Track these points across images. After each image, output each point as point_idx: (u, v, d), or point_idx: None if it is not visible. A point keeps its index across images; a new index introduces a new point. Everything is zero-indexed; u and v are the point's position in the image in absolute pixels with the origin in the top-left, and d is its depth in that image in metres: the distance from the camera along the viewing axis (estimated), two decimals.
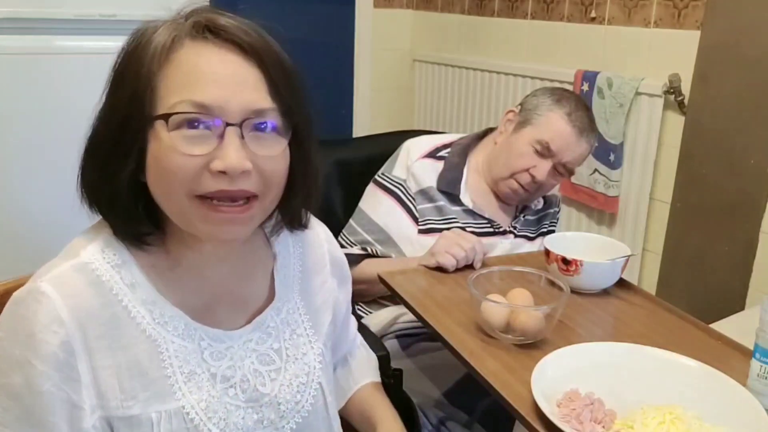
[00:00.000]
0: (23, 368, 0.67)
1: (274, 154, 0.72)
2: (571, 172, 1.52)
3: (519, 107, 1.53)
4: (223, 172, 0.68)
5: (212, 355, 0.77)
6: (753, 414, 0.87)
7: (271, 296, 0.85)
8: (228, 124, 0.68)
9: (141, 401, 0.71)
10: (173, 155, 0.67)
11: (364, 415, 1.02)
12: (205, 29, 0.70)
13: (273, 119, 0.71)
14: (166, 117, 0.67)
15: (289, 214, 0.83)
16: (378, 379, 1.08)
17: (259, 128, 0.70)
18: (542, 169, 1.45)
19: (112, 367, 0.71)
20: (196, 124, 0.67)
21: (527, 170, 1.46)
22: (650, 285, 2.22)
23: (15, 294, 0.70)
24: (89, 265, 0.71)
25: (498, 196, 1.56)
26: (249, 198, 0.71)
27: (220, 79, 0.68)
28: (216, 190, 0.68)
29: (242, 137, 0.69)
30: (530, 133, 1.47)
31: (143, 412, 0.71)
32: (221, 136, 0.68)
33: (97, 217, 0.76)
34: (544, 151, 1.45)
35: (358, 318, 1.50)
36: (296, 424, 0.82)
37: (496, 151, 1.54)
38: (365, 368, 1.08)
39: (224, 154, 0.67)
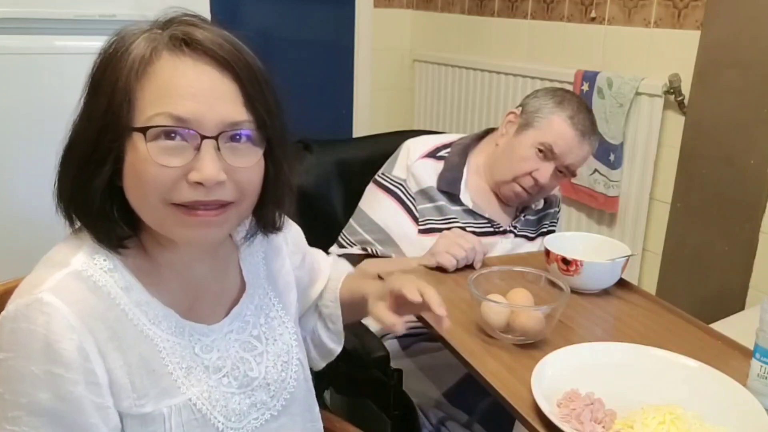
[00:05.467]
0: (49, 381, 0.67)
1: (248, 165, 0.74)
2: (573, 174, 1.52)
3: (520, 109, 1.53)
4: (199, 183, 0.70)
5: (202, 349, 0.80)
6: (753, 414, 0.87)
7: (242, 286, 0.88)
8: (204, 137, 0.70)
9: (152, 398, 0.74)
10: (150, 166, 0.69)
11: (354, 297, 1.03)
12: (182, 42, 0.71)
13: (248, 131, 0.73)
14: (144, 130, 0.69)
15: (263, 219, 0.86)
16: (351, 269, 1.13)
17: (234, 140, 0.73)
18: (545, 172, 1.45)
19: (123, 368, 0.72)
20: (173, 135, 0.69)
21: (530, 173, 1.46)
22: (650, 285, 2.22)
23: (8, 311, 0.69)
24: (83, 272, 0.72)
25: (498, 196, 1.56)
26: (224, 204, 0.73)
27: (197, 92, 0.70)
28: (192, 200, 0.71)
29: (218, 149, 0.71)
30: (533, 136, 1.46)
31: (156, 409, 0.74)
32: (198, 148, 0.70)
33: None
34: (547, 153, 1.45)
35: None
36: (285, 401, 0.87)
37: (498, 153, 1.54)
38: (337, 271, 1.10)
39: (201, 165, 0.70)
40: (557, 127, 1.44)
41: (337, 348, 1.07)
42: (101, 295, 0.72)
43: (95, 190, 0.71)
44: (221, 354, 0.82)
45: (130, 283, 0.75)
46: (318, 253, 1.08)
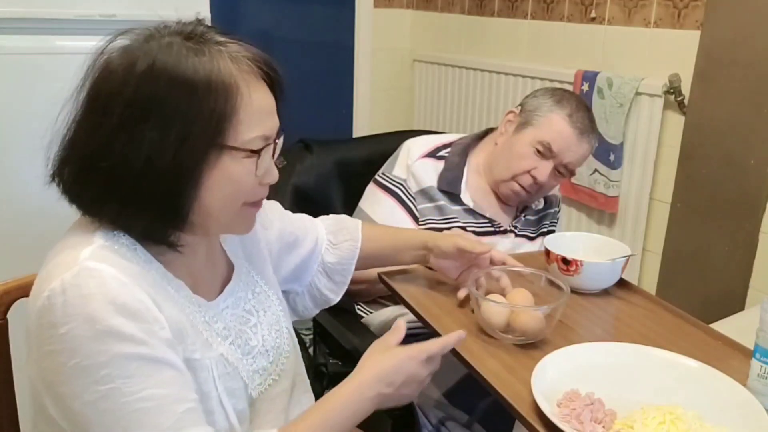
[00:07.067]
0: (121, 332, 0.69)
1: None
2: (572, 173, 1.52)
3: (519, 108, 1.53)
4: (267, 183, 0.83)
5: (210, 320, 0.85)
6: (753, 414, 0.87)
7: (230, 265, 0.94)
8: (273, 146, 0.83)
9: (199, 348, 0.79)
10: (247, 176, 0.79)
11: (391, 246, 1.22)
12: (248, 62, 0.78)
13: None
14: (258, 152, 0.79)
15: None
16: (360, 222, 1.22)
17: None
18: (543, 170, 1.45)
19: (173, 317, 0.76)
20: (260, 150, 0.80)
21: (528, 172, 1.46)
22: (650, 285, 2.22)
23: (54, 288, 0.70)
24: (110, 246, 0.75)
25: (498, 196, 1.55)
26: None
27: (270, 110, 0.82)
28: (261, 197, 0.85)
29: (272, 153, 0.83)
30: (531, 134, 1.46)
31: (202, 357, 0.79)
32: (269, 154, 0.82)
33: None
34: (546, 152, 1.45)
35: (358, 318, 1.51)
36: (283, 366, 0.94)
37: (497, 152, 1.54)
38: (347, 228, 1.19)
39: (271, 169, 0.83)
40: (556, 125, 1.44)
41: (335, 298, 1.18)
42: (132, 263, 0.75)
43: (188, 205, 0.77)
44: (224, 325, 0.87)
45: (149, 258, 0.79)
46: (301, 218, 1.15)
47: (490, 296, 1.08)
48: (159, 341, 0.72)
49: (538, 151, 1.45)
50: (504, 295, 1.12)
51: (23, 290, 0.96)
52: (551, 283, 1.14)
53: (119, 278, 0.71)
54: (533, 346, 1.05)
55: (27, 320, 0.74)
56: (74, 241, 0.76)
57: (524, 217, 1.57)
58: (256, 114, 0.78)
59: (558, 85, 2.22)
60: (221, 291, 0.90)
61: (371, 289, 1.47)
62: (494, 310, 1.06)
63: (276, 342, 0.94)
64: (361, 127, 3.15)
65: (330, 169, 1.65)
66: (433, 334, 1.12)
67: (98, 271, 0.71)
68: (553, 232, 1.62)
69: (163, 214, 0.77)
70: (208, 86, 0.74)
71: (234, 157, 0.77)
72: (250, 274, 0.97)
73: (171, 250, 0.80)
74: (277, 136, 0.83)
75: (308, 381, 1.04)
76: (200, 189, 0.77)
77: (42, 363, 0.72)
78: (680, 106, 2.07)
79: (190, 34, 0.77)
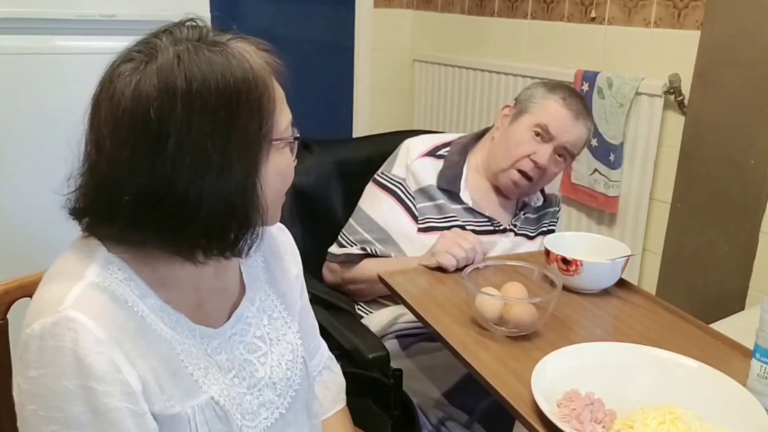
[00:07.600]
0: (83, 395, 0.68)
1: None
2: (572, 157, 1.52)
3: (514, 102, 1.55)
4: None
5: (213, 351, 0.82)
6: (753, 414, 0.87)
7: (243, 290, 0.90)
8: None
9: (178, 399, 0.75)
10: (290, 166, 0.82)
11: None
12: (266, 53, 0.79)
13: None
14: (295, 138, 0.81)
15: None
16: (343, 403, 1.11)
17: None
18: (543, 153, 1.46)
19: (151, 372, 0.73)
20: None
21: (528, 156, 1.46)
22: (650, 285, 2.22)
23: (34, 330, 0.69)
24: (101, 283, 0.72)
25: (499, 193, 1.55)
26: None
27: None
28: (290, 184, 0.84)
29: None
30: (527, 120, 1.48)
31: (182, 410, 0.75)
32: None
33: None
34: (544, 134, 1.45)
35: (358, 318, 1.51)
36: (291, 398, 0.90)
37: (494, 145, 1.54)
38: (332, 395, 1.09)
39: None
40: (551, 108, 1.46)
41: None
42: (121, 303, 0.73)
43: (256, 210, 0.76)
44: (228, 356, 0.83)
45: (145, 291, 0.76)
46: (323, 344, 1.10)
47: (484, 289, 1.09)
48: (120, 412, 0.70)
49: (537, 134, 1.46)
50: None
51: (23, 290, 0.96)
52: (545, 277, 1.16)
53: (95, 335, 0.68)
54: (531, 344, 1.06)
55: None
56: (69, 269, 0.73)
57: (524, 215, 1.57)
58: (283, 102, 0.80)
59: None
60: (230, 316, 0.86)
61: (371, 289, 1.48)
62: (488, 302, 1.07)
63: (286, 374, 0.90)
64: (361, 127, 3.15)
65: (330, 169, 1.65)
66: (433, 334, 1.12)
67: (76, 323, 0.68)
68: (552, 231, 1.62)
69: (238, 227, 0.75)
70: (249, 87, 0.73)
71: (278, 149, 0.78)
72: (270, 298, 0.93)
73: (161, 275, 0.77)
74: None
75: (316, 404, 1.00)
76: (261, 190, 0.76)
77: (15, 383, 0.72)
78: (680, 106, 2.07)
79: (205, 38, 0.74)
